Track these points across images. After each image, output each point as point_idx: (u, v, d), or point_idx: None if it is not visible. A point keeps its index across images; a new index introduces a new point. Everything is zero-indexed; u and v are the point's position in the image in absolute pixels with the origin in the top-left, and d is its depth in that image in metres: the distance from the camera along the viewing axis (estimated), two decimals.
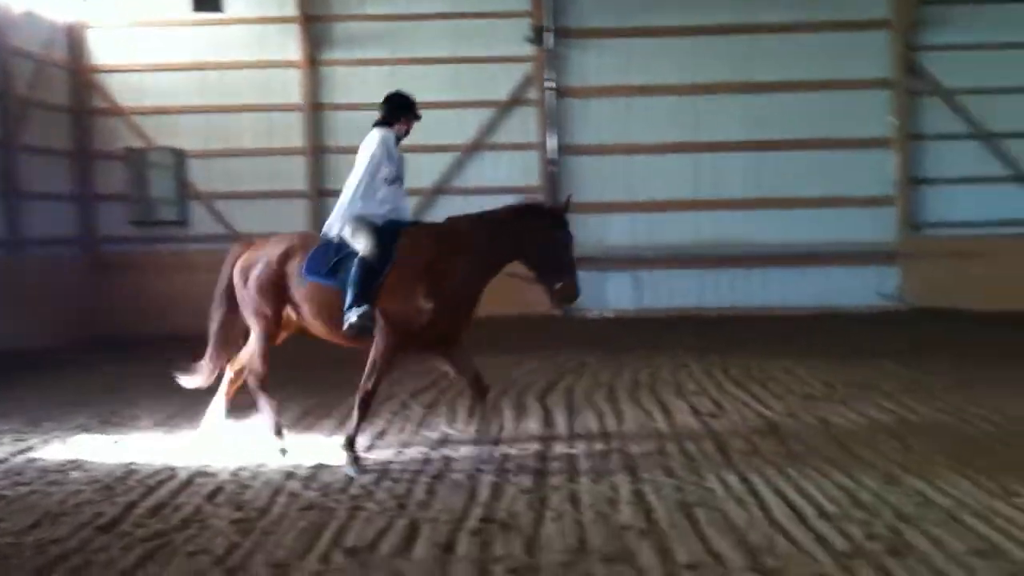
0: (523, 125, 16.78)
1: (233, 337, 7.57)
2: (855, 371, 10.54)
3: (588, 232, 16.64)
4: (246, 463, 7.02)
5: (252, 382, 7.37)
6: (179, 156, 16.98)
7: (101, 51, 16.91)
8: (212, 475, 6.71)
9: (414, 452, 7.35)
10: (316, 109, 16.86)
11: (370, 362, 6.91)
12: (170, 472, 6.81)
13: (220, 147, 16.87)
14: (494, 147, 16.80)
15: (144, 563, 5.04)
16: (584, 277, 17.57)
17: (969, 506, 5.71)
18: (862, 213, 16.43)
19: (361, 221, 7.01)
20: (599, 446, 7.47)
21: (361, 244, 6.94)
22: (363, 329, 6.83)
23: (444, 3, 16.64)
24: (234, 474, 6.75)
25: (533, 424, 8.32)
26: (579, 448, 7.41)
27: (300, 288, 7.12)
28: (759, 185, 16.55)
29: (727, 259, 16.53)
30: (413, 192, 16.55)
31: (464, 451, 7.33)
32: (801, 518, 5.57)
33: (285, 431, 7.40)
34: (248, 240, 7.98)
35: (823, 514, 5.64)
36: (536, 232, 7.02)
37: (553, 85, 16.64)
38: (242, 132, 16.92)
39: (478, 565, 4.94)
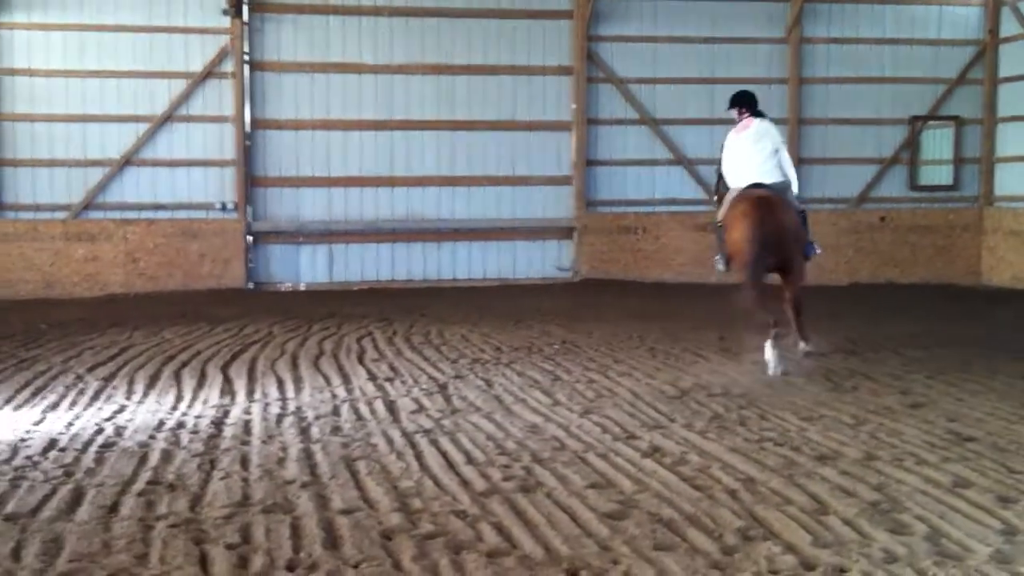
0: (218, 98, 16.59)
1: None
2: (524, 336, 11.44)
3: (282, 206, 16.86)
4: None
5: (797, 306, 9.68)
6: None
7: None
8: None
9: (86, 423, 7.35)
10: None
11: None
12: None
13: None
14: (188, 119, 16.53)
15: None
16: (277, 251, 17.91)
17: (595, 448, 6.53)
18: (544, 191, 17.58)
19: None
20: (275, 411, 7.78)
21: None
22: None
23: None
24: None
25: (212, 392, 8.50)
26: (255, 413, 7.69)
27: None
28: (451, 163, 17.30)
29: (418, 233, 17.20)
30: (101, 163, 16.14)
31: (139, 421, 7.43)
32: (451, 465, 6.17)
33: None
34: (756, 191, 9.46)
35: (471, 460, 6.26)
36: None
37: (249, 58, 16.60)
38: None
39: (141, 523, 5.13)
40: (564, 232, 17.63)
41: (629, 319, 12.79)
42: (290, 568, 4.53)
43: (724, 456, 6.29)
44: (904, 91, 18.41)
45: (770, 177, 9.60)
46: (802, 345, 9.80)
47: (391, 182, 17.11)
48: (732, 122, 10.11)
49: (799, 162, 17.95)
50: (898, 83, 18.39)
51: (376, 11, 16.95)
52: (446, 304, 14.55)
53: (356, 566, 4.52)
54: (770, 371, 8.97)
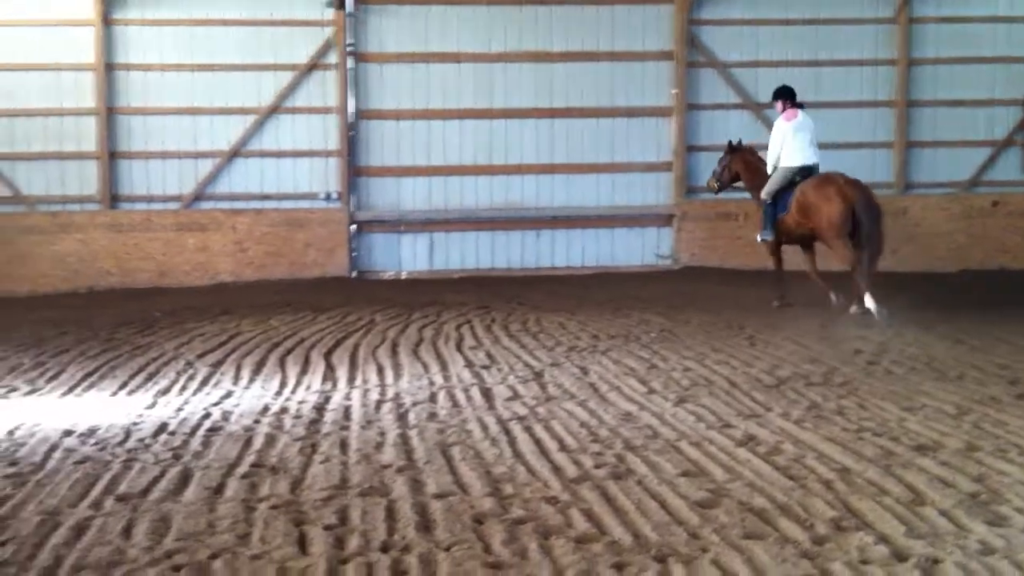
0: (322, 89, 16.92)
1: None
2: (621, 324, 11.41)
3: (385, 195, 17.12)
4: (22, 421, 7.17)
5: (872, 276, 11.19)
6: None
7: None
8: None
9: (195, 408, 7.64)
10: (109, 69, 16.52)
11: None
12: None
13: (4, 107, 16.32)
14: (293, 111, 16.91)
15: None
16: (380, 240, 18.17)
17: (688, 436, 6.52)
18: (643, 178, 17.47)
19: None
20: (374, 397, 7.96)
21: None
22: None
23: None
24: (9, 433, 6.89)
25: (315, 379, 8.73)
26: (355, 399, 7.89)
27: None
28: (550, 151, 17.33)
29: (517, 221, 17.27)
30: (210, 155, 16.65)
31: (244, 406, 7.68)
32: (543, 452, 6.24)
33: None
34: (839, 174, 11.73)
35: (563, 447, 6.33)
36: None
37: (353, 49, 16.88)
38: (29, 91, 16.40)
39: (244, 504, 5.34)
40: (663, 219, 17.51)
41: (728, 307, 12.64)
42: (384, 549, 4.66)
43: (820, 446, 6.22)
44: (1018, 71, 17.68)
45: (814, 159, 12.02)
46: (868, 301, 11.04)
47: (490, 170, 17.21)
48: (791, 111, 12.22)
49: (908, 145, 17.58)
50: (1011, 63, 17.68)
51: (475, 0, 17.05)
52: (544, 292, 14.60)
53: (447, 549, 4.63)
54: (876, 315, 10.86)
